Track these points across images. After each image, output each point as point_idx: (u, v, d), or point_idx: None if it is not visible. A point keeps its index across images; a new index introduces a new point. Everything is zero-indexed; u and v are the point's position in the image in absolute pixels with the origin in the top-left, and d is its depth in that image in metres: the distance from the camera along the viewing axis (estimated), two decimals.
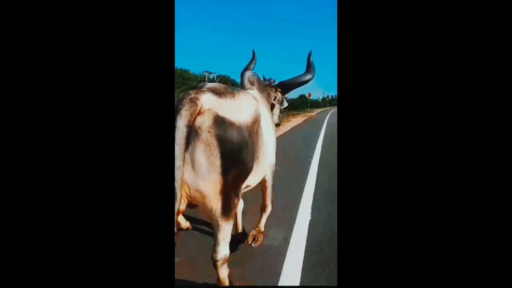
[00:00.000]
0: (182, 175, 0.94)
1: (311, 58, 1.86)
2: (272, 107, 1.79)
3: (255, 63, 1.88)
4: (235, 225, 1.80)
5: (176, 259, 1.61)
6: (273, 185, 1.68)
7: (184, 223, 1.95)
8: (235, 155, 1.02)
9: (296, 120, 12.58)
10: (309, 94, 29.27)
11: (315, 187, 3.00)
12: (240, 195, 1.15)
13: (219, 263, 1.18)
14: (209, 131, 0.97)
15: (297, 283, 1.47)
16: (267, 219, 1.83)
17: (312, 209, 2.40)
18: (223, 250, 1.17)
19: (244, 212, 1.93)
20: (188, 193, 1.02)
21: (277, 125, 1.95)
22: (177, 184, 0.90)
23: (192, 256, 1.68)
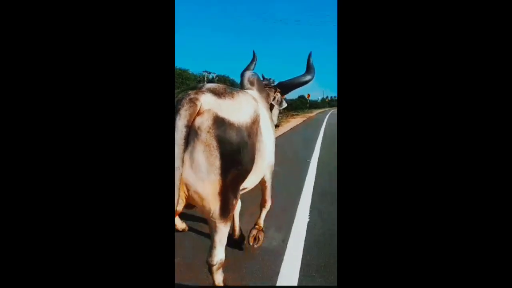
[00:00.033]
0: (181, 176, 0.93)
1: (311, 59, 1.87)
2: (271, 107, 1.79)
3: (255, 64, 1.88)
4: (232, 227, 1.80)
5: None
6: (272, 184, 1.70)
7: (180, 224, 1.94)
8: (235, 155, 1.02)
9: (295, 121, 12.59)
10: (308, 95, 29.29)
11: (314, 187, 3.00)
12: (238, 196, 1.14)
13: (214, 267, 1.17)
14: (208, 132, 0.96)
15: (295, 284, 1.47)
16: (266, 220, 1.84)
17: (310, 210, 2.39)
18: (219, 254, 1.16)
19: (241, 213, 1.93)
20: (186, 194, 1.01)
21: (276, 126, 1.95)
22: (175, 185, 0.90)
23: (188, 258, 1.67)
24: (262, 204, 1.80)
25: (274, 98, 1.85)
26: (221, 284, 1.25)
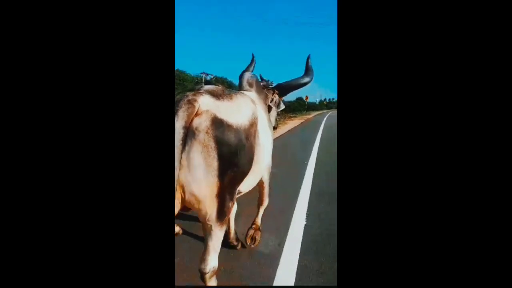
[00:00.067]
0: (178, 177, 0.93)
1: (309, 61, 1.87)
2: (269, 109, 1.79)
3: (254, 66, 1.89)
4: (227, 231, 1.80)
5: None
6: (270, 185, 1.76)
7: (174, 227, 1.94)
8: (232, 157, 1.01)
9: (293, 123, 12.61)
10: (307, 97, 29.37)
11: (311, 188, 3.00)
12: (235, 199, 1.14)
13: (207, 275, 1.14)
14: (206, 132, 0.96)
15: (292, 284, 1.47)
16: (264, 222, 1.85)
17: (308, 210, 2.40)
18: (212, 261, 1.13)
19: (238, 215, 1.93)
20: (182, 196, 1.00)
21: (274, 128, 1.96)
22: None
23: (183, 261, 1.66)
24: (260, 203, 1.83)
25: (272, 100, 1.86)
26: None
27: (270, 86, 1.90)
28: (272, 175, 1.69)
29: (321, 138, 7.10)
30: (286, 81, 1.91)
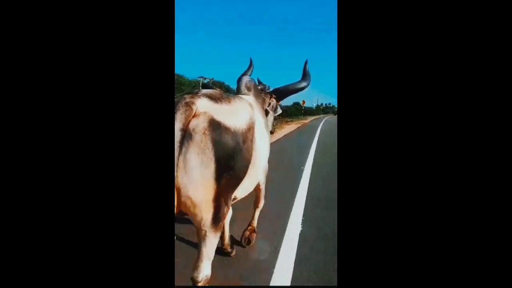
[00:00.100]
0: (175, 179, 0.92)
1: (307, 66, 1.89)
2: (266, 113, 1.80)
3: (252, 70, 1.90)
4: (222, 237, 1.78)
5: None
6: (266, 187, 1.82)
7: None
8: (229, 160, 1.00)
9: (289, 127, 12.65)
10: (303, 102, 29.55)
11: (308, 192, 3.00)
12: (230, 204, 1.12)
13: (199, 284, 1.11)
14: (204, 133, 0.95)
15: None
16: (260, 225, 1.88)
17: (304, 214, 2.39)
18: (205, 269, 1.10)
19: (234, 218, 1.92)
20: (179, 200, 0.98)
21: (271, 132, 1.96)
22: None
23: (176, 266, 1.64)
24: (256, 205, 1.89)
25: (270, 104, 1.86)
26: None
27: (268, 91, 1.91)
28: (269, 180, 1.71)
29: (318, 143, 7.12)
30: (283, 86, 1.92)
